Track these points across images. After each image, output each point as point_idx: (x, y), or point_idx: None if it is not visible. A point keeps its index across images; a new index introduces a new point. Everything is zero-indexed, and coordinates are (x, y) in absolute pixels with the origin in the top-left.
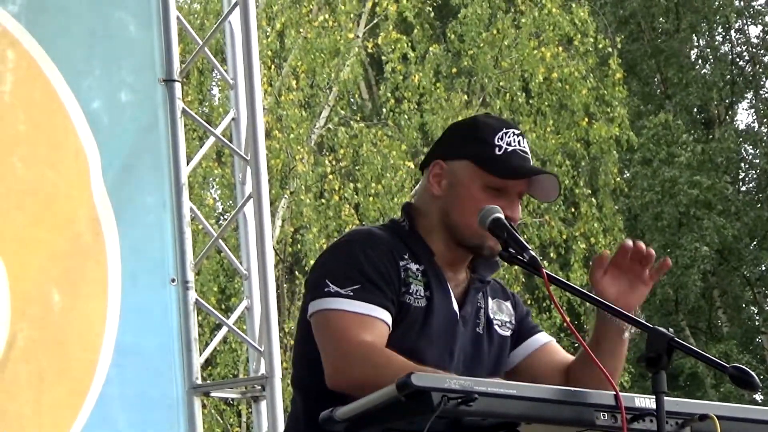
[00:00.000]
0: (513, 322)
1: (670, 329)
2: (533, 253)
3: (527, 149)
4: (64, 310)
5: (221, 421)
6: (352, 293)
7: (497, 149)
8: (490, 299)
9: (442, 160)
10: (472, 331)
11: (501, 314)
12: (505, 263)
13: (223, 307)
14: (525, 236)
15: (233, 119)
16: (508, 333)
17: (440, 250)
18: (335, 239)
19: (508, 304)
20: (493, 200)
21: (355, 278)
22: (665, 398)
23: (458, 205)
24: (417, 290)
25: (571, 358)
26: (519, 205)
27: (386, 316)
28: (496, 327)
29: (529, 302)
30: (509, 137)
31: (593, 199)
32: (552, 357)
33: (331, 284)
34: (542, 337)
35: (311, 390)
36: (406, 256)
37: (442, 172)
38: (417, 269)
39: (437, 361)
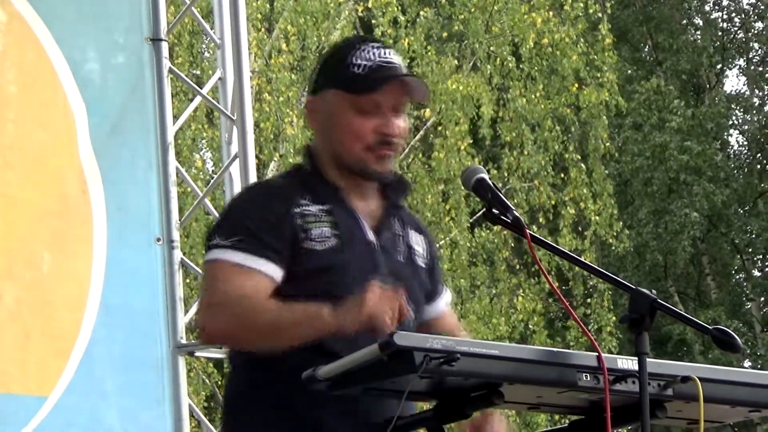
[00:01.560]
0: (427, 258)
1: (653, 291)
2: (517, 214)
3: (391, 57)
4: (50, 270)
5: (208, 383)
6: (230, 244)
7: (356, 68)
8: (408, 228)
9: (311, 95)
10: (395, 259)
11: (418, 246)
12: (489, 222)
13: None
14: (514, 201)
15: (220, 79)
16: (423, 265)
17: (341, 183)
18: None
19: (422, 238)
20: (367, 121)
21: (238, 230)
22: (648, 360)
23: (336, 134)
24: (321, 232)
25: (456, 328)
26: (399, 119)
27: (267, 267)
28: (416, 257)
29: (518, 267)
30: (367, 53)
31: (583, 165)
32: (445, 326)
33: (216, 237)
34: (443, 303)
35: (245, 356)
36: (304, 201)
37: (315, 107)
38: (320, 210)
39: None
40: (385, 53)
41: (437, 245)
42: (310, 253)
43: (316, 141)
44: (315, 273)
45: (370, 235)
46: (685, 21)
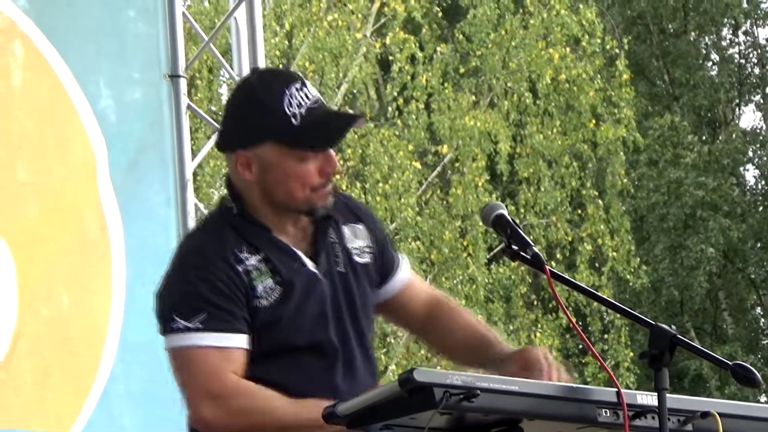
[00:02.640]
0: (370, 246)
1: (672, 327)
2: (536, 250)
3: (314, 93)
4: (69, 306)
5: None
6: (201, 325)
7: (293, 119)
8: (344, 228)
9: (241, 149)
10: (336, 273)
11: (357, 240)
12: (508, 258)
13: None
14: (531, 237)
15: None
16: (368, 259)
17: (274, 222)
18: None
19: (362, 227)
20: (309, 165)
21: (198, 307)
22: (667, 395)
23: (278, 185)
24: (265, 286)
25: (426, 290)
26: (332, 153)
27: (241, 341)
28: (355, 257)
29: (535, 303)
30: (296, 98)
31: (600, 201)
32: (410, 300)
33: (177, 318)
34: (398, 278)
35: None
36: (242, 253)
37: (248, 160)
38: (258, 261)
39: (313, 338)
40: (310, 93)
41: (452, 279)
42: (257, 310)
43: (241, 186)
44: (265, 329)
45: (310, 265)
46: (701, 57)
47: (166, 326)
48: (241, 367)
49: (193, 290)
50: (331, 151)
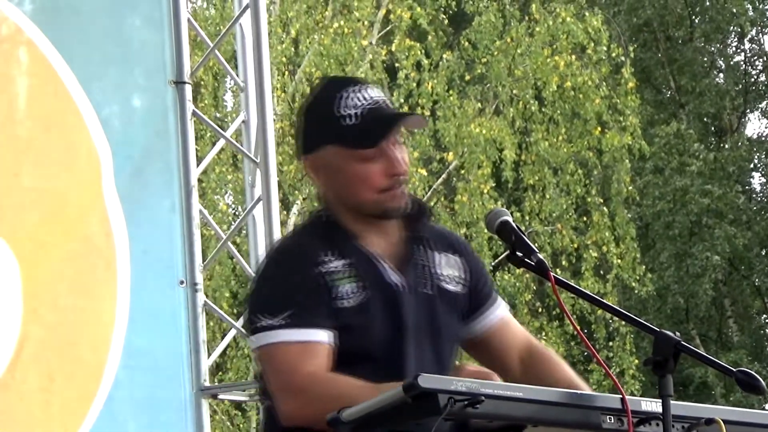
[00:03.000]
0: (463, 278)
1: (677, 333)
2: (541, 257)
3: (374, 95)
4: (74, 312)
5: (231, 427)
6: (285, 321)
7: (348, 119)
8: (436, 253)
9: (306, 154)
10: (422, 294)
11: (449, 269)
12: (513, 265)
13: (235, 312)
14: (537, 244)
15: (243, 122)
16: (458, 288)
17: (359, 229)
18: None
19: (458, 258)
20: (373, 166)
21: (283, 305)
22: (672, 402)
23: (345, 187)
24: (347, 290)
25: (523, 335)
26: (400, 151)
27: (325, 336)
28: (444, 284)
29: (540, 310)
30: (351, 100)
31: (605, 208)
32: (500, 339)
33: (262, 317)
34: (497, 311)
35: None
36: (327, 257)
37: (314, 165)
38: (343, 265)
39: (390, 350)
40: (367, 93)
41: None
42: (339, 311)
43: (325, 193)
44: (344, 331)
45: (394, 278)
46: (707, 64)
47: (253, 326)
48: (326, 362)
49: (277, 289)
50: (396, 152)
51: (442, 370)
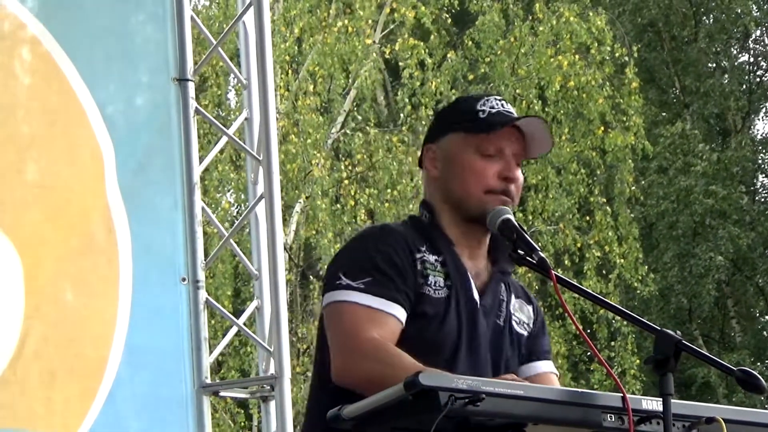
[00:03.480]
0: (530, 326)
1: (678, 332)
2: (542, 255)
3: (512, 110)
4: (76, 308)
5: (233, 425)
6: (363, 286)
7: (480, 113)
8: (512, 296)
9: (431, 143)
10: (494, 321)
11: (521, 314)
12: (514, 263)
13: (236, 310)
14: (539, 244)
15: (246, 119)
16: (524, 332)
17: (456, 235)
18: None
19: (530, 308)
20: (489, 163)
21: (367, 271)
22: (672, 401)
23: (457, 178)
24: (436, 281)
25: None
26: (517, 168)
27: (397, 311)
28: (514, 323)
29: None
30: (491, 102)
31: (608, 208)
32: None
33: (343, 277)
34: (545, 366)
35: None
36: (423, 248)
37: (435, 154)
38: (435, 260)
39: (458, 348)
40: (507, 106)
41: None
42: (425, 297)
43: (429, 192)
44: (423, 317)
45: (476, 294)
46: (712, 65)
47: (331, 283)
48: (392, 334)
49: (365, 256)
50: (514, 164)
51: None
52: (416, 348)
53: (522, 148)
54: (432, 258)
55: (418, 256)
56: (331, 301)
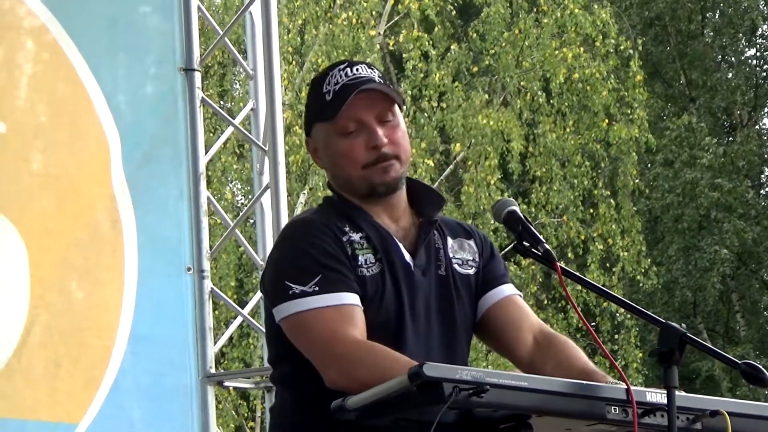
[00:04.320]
0: (476, 260)
1: (683, 325)
2: (547, 247)
3: (360, 73)
4: (81, 298)
5: (236, 416)
6: (317, 288)
7: (326, 96)
8: (449, 239)
9: (308, 136)
10: (435, 274)
11: (462, 252)
12: (519, 255)
13: (240, 301)
14: (543, 236)
15: (252, 110)
16: (471, 271)
17: (368, 208)
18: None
19: (471, 242)
20: (354, 140)
21: (312, 271)
22: (677, 393)
23: (335, 166)
24: (366, 259)
25: (531, 321)
26: (386, 126)
27: (356, 299)
28: (456, 266)
29: (545, 302)
30: (335, 78)
31: (612, 201)
32: (511, 315)
33: (292, 284)
34: (504, 290)
35: (301, 386)
36: (346, 229)
37: (313, 146)
38: (360, 237)
39: (402, 320)
40: (351, 71)
41: None
42: (361, 279)
43: (328, 177)
44: (364, 299)
45: (407, 257)
46: (718, 59)
47: (281, 295)
48: (361, 325)
49: (304, 257)
50: (380, 128)
51: (451, 355)
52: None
53: (377, 103)
54: (357, 236)
55: (345, 238)
56: (292, 313)
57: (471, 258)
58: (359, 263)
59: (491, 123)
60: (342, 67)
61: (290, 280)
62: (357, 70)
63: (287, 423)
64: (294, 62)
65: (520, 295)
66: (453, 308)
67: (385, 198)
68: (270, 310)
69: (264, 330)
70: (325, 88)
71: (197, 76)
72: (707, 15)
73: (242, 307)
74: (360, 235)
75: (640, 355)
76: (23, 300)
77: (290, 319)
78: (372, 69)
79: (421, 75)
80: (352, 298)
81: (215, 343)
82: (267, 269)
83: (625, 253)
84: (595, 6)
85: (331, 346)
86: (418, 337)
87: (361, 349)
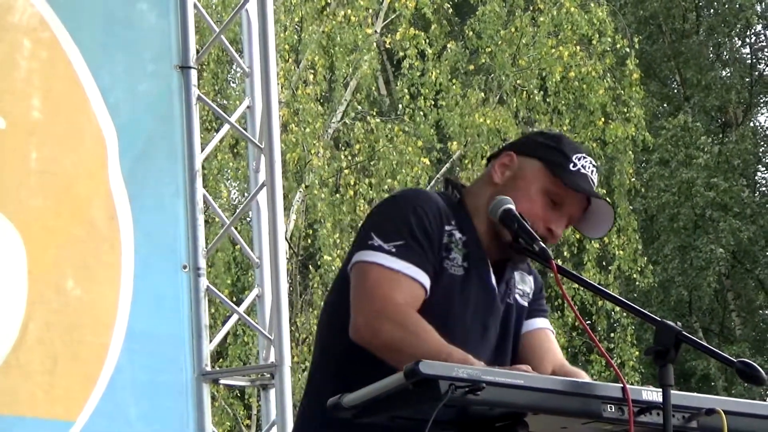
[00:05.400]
0: (530, 295)
1: (678, 323)
2: (543, 245)
3: (595, 178)
4: (78, 295)
5: (231, 414)
6: (394, 249)
7: (571, 164)
8: (517, 272)
9: (514, 152)
10: (506, 303)
11: (523, 285)
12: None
13: (235, 299)
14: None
15: (248, 107)
16: (526, 303)
17: (482, 231)
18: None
19: (531, 278)
20: (546, 209)
21: (400, 234)
22: (672, 392)
23: (514, 199)
24: (456, 258)
25: (556, 354)
26: (564, 228)
27: (424, 278)
28: (517, 296)
29: None
30: (586, 161)
31: (608, 199)
32: (539, 344)
33: (375, 237)
34: (538, 322)
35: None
36: (453, 222)
37: (510, 164)
38: (460, 238)
39: (468, 331)
40: (595, 176)
41: None
42: (444, 272)
43: (479, 186)
44: (437, 290)
45: (493, 280)
46: (713, 57)
47: (362, 243)
48: (415, 300)
49: (400, 219)
50: (562, 226)
51: None
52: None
53: (580, 215)
54: (458, 234)
55: (448, 228)
56: (361, 260)
57: (529, 291)
58: (450, 256)
59: (488, 121)
60: (594, 163)
61: (377, 233)
62: (596, 176)
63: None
64: (290, 60)
65: (552, 332)
66: (509, 336)
67: (502, 256)
68: (350, 255)
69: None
70: (575, 158)
71: (193, 73)
72: (702, 14)
73: (237, 306)
74: (461, 236)
75: (636, 353)
76: (21, 297)
77: (357, 265)
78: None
79: (418, 73)
80: (421, 276)
81: (211, 340)
82: (366, 219)
83: (621, 252)
84: (592, 4)
85: (374, 300)
86: (477, 355)
87: (400, 310)
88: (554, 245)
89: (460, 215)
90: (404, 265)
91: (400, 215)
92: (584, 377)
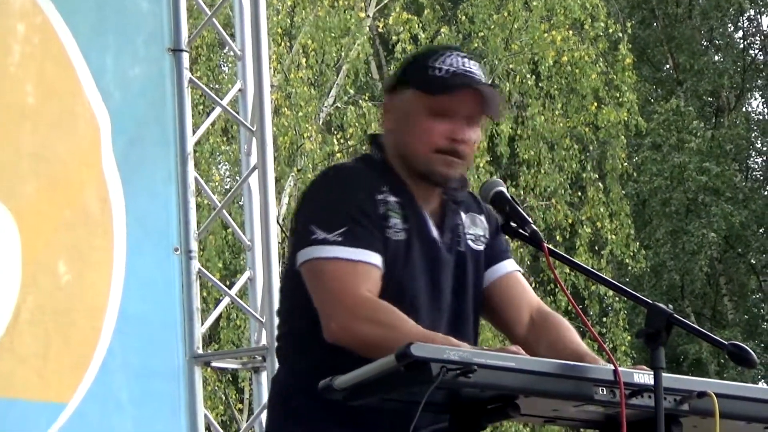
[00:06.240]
0: (486, 236)
1: (670, 306)
2: (534, 228)
3: (474, 69)
4: (70, 279)
5: (223, 398)
6: (340, 238)
7: (437, 71)
8: (463, 214)
9: (388, 93)
10: (455, 252)
11: (475, 228)
12: (507, 235)
13: (227, 283)
14: (531, 219)
15: (240, 90)
16: (481, 247)
17: (409, 182)
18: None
19: (482, 217)
20: (439, 124)
21: (341, 221)
22: (664, 375)
23: (407, 135)
24: (395, 223)
25: (531, 299)
26: (472, 129)
27: (377, 260)
28: (470, 242)
29: (533, 285)
30: (449, 60)
31: (600, 184)
32: (511, 292)
33: (317, 230)
34: (506, 265)
35: (312, 343)
36: (384, 189)
37: (390, 106)
38: (395, 201)
39: (418, 291)
40: (468, 63)
41: None
42: (388, 241)
43: (385, 137)
44: (385, 261)
45: (434, 232)
46: (706, 42)
47: (304, 239)
48: (376, 285)
49: (336, 205)
50: (467, 126)
51: (459, 332)
52: (383, 297)
53: (479, 106)
54: (392, 199)
55: (380, 197)
56: (311, 257)
57: (482, 234)
58: (389, 224)
59: None
60: (461, 55)
61: (317, 225)
62: (474, 66)
63: (293, 389)
64: (283, 44)
65: (521, 271)
66: (467, 286)
67: (431, 185)
68: (293, 255)
69: (251, 311)
70: (438, 64)
71: (185, 56)
72: None
73: (230, 288)
74: (395, 199)
75: (629, 338)
76: (15, 280)
77: (309, 264)
78: (483, 73)
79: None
80: (373, 258)
81: (203, 323)
82: (297, 211)
83: (614, 237)
84: None
85: (341, 299)
86: (432, 312)
87: (369, 305)
88: (546, 230)
89: (387, 176)
90: (354, 251)
91: (334, 200)
92: (563, 324)
